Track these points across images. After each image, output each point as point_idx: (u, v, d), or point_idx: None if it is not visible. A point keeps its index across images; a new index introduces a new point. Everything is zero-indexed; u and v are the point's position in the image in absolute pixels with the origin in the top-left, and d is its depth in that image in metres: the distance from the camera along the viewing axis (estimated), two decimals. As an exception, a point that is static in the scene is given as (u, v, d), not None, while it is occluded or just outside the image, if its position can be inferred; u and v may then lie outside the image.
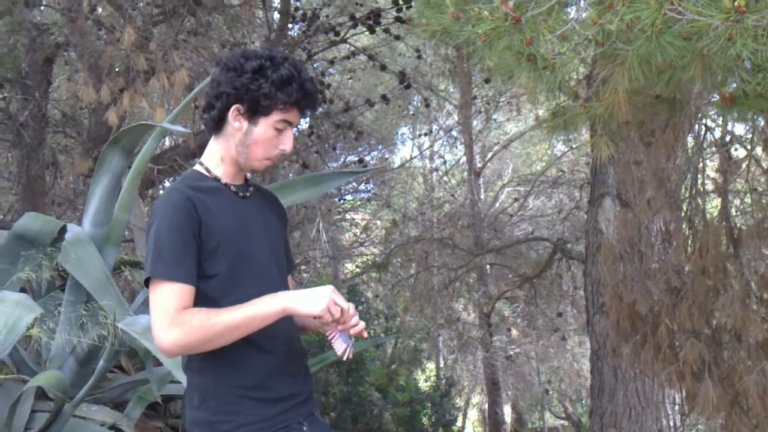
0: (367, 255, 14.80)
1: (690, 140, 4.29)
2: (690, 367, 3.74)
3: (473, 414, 18.30)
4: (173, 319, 1.82)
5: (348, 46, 8.49)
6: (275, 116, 1.96)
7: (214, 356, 1.89)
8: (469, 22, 2.46)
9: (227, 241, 1.94)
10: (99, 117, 6.76)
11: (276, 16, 8.21)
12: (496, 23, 2.28)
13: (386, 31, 7.84)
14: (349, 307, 1.89)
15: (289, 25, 7.85)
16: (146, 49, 5.84)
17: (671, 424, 6.47)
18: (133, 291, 5.83)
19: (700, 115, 3.82)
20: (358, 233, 15.39)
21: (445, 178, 14.78)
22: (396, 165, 14.87)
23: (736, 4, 1.74)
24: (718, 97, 2.43)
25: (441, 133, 14.87)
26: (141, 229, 6.19)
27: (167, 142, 9.31)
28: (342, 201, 13.60)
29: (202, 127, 7.89)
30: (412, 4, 6.94)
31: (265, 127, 1.97)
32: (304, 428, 2.00)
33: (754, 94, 2.10)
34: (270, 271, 2.04)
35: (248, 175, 2.14)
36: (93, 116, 7.43)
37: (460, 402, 15.38)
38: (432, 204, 13.93)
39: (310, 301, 1.84)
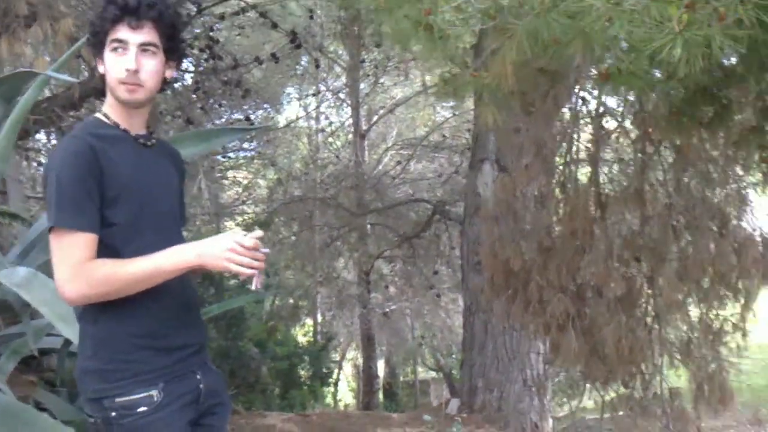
0: (249, 213, 14.72)
1: (567, 111, 4.60)
2: (556, 320, 4.07)
3: (348, 369, 18.71)
4: (77, 270, 1.84)
5: (238, 1, 8.36)
6: (108, 40, 1.98)
7: (109, 306, 1.91)
8: (371, -14, 2.59)
9: (128, 190, 1.96)
10: (-34, 60, 6.41)
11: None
12: (397, -10, 2.43)
13: (279, -13, 7.80)
14: (255, 244, 1.90)
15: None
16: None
17: (535, 374, 6.94)
18: (1, 244, 5.62)
19: (577, 87, 4.13)
20: (240, 191, 15.27)
21: (330, 140, 14.86)
22: (281, 124, 14.78)
23: (615, -11, 1.97)
24: (595, 72, 2.68)
25: (328, 94, 14.90)
26: (16, 181, 5.99)
27: (45, 91, 8.90)
28: (225, 158, 13.45)
29: (84, 76, 7.65)
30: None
31: (107, 54, 1.99)
32: (198, 377, 2.05)
33: (627, 72, 2.35)
34: (169, 222, 2.08)
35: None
36: (-41, 59, 7.03)
37: (336, 357, 15.73)
38: (316, 164, 14.00)
39: (215, 256, 1.88)
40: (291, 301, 13.91)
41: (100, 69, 2.02)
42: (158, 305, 1.98)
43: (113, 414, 1.91)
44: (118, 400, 1.91)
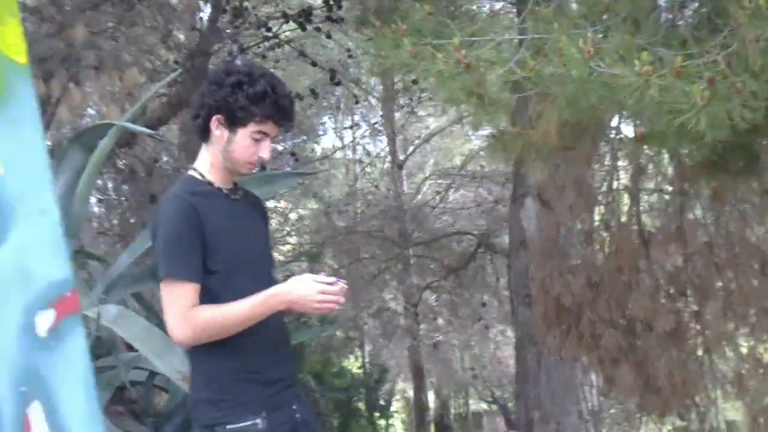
0: (291, 244, 14.91)
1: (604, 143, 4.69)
2: (609, 354, 4.18)
3: (397, 402, 18.68)
4: (185, 316, 2.11)
5: (274, 39, 8.61)
6: (251, 127, 2.20)
7: (217, 345, 2.17)
8: (424, 60, 2.80)
9: (224, 241, 2.20)
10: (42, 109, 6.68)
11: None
12: (448, 66, 2.63)
13: (317, 29, 8.04)
14: (334, 281, 2.15)
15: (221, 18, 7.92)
16: (93, 43, 5.79)
17: (590, 406, 6.96)
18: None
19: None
20: (282, 221, 15.48)
21: (368, 170, 15.03)
22: (318, 155, 15.02)
23: (645, 69, 2.15)
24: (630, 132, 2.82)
25: (363, 125, 15.08)
26: (87, 221, 6.29)
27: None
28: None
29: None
30: (342, 4, 7.24)
31: (242, 136, 2.21)
32: (294, 407, 2.29)
33: (659, 134, 2.51)
34: (261, 266, 2.32)
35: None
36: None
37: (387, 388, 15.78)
38: (356, 195, 14.17)
39: (306, 303, 2.13)
40: (338, 333, 14.02)
41: (217, 131, 2.23)
42: (258, 343, 2.22)
43: None
44: (229, 426, 2.15)
